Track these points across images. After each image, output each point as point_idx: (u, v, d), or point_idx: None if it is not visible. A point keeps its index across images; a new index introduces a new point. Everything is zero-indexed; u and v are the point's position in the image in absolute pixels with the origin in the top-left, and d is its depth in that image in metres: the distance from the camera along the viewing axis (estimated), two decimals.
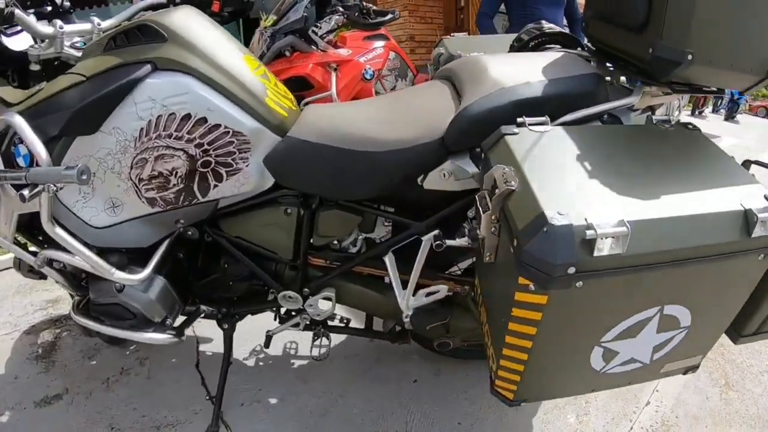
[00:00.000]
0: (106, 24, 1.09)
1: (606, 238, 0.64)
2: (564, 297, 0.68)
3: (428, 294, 1.11)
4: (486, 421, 1.31)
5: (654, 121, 0.92)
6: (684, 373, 0.92)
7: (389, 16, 2.41)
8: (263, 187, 1.02)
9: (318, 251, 1.14)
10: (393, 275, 1.09)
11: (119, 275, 1.00)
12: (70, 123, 0.88)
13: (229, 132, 0.93)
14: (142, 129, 0.90)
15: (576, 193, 0.70)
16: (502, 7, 2.49)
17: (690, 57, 0.76)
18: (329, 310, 1.19)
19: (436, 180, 0.96)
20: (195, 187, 0.97)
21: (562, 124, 0.87)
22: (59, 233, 0.94)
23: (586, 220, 0.65)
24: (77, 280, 1.15)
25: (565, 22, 2.55)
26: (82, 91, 0.89)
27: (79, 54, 1.01)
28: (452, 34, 1.56)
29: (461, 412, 1.34)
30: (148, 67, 0.89)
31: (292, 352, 1.59)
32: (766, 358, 1.59)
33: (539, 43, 1.19)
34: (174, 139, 0.91)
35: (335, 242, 1.17)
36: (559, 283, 0.66)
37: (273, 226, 1.08)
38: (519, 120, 0.84)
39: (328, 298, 1.16)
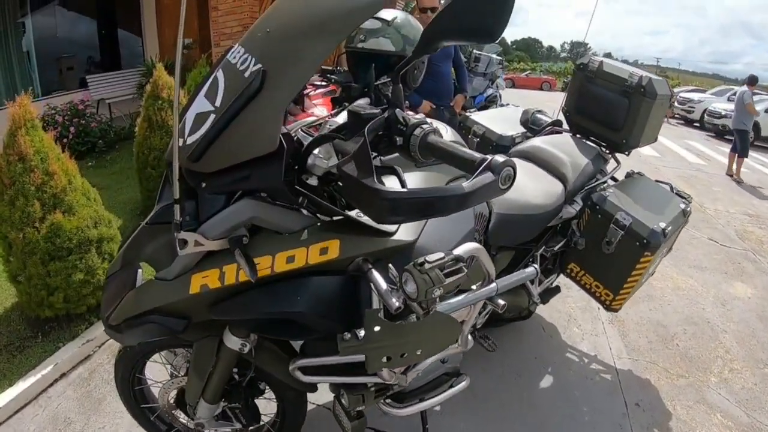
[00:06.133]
0: None
1: (667, 232, 1.65)
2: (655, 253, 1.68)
3: (549, 282, 1.96)
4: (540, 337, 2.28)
5: (633, 174, 1.99)
6: None
7: None
8: None
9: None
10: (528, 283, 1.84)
11: None
12: None
13: None
14: None
15: (651, 215, 1.69)
16: None
17: (638, 145, 1.90)
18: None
19: (556, 220, 1.77)
20: None
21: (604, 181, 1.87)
22: None
23: (660, 225, 1.64)
24: None
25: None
26: None
27: None
28: (467, 112, 2.34)
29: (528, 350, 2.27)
30: None
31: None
32: None
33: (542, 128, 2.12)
34: None
35: None
36: (656, 250, 1.65)
37: None
38: (605, 181, 1.80)
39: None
